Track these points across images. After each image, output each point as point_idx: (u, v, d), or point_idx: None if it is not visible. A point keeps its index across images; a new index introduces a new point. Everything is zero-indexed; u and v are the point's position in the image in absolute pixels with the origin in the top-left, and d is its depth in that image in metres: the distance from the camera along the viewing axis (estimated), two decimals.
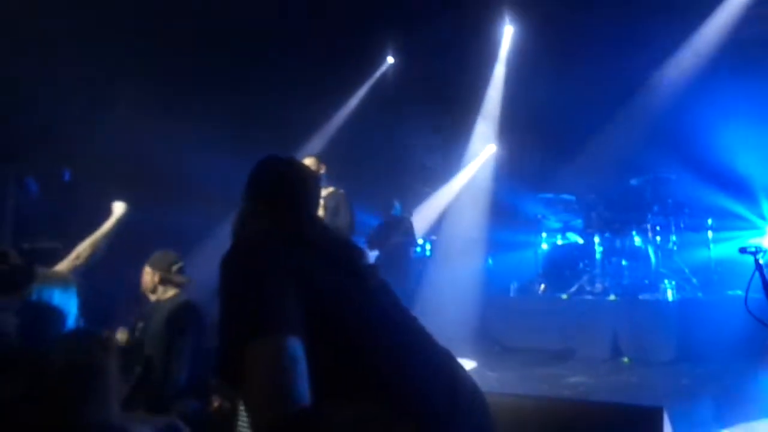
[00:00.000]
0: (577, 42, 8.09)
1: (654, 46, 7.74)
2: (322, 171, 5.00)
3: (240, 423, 2.80)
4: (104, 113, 6.67)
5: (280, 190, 1.59)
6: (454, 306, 6.97)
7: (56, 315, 1.90)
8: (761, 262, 2.29)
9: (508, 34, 8.62)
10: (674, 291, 6.50)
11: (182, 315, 3.14)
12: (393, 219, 7.16)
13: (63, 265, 2.99)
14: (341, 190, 5.14)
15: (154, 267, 3.30)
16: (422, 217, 8.76)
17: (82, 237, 3.19)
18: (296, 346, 1.14)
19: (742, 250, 2.41)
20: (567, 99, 7.94)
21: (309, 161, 4.94)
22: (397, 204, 7.33)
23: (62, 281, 2.11)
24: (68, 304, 2.03)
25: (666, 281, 6.55)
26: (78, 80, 6.82)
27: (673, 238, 6.96)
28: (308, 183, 1.66)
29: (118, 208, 3.39)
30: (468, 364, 6.23)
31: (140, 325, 3.30)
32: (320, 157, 5.12)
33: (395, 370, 1.31)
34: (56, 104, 6.60)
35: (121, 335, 3.20)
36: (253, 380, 1.10)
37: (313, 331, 1.20)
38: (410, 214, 7.97)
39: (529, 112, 8.48)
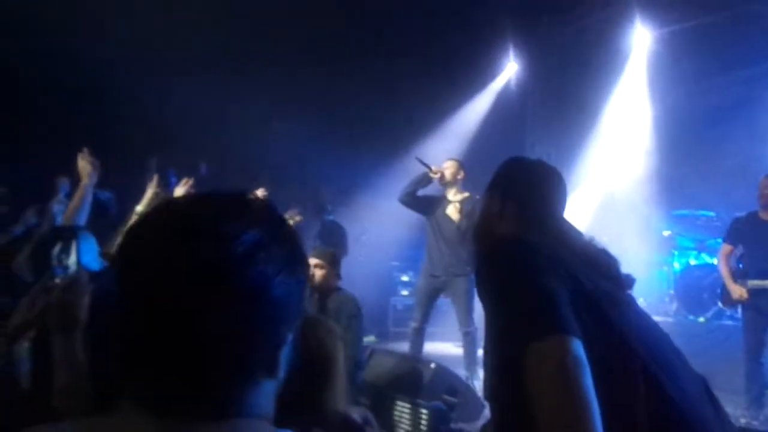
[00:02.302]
0: (717, 45, 7.50)
1: None
2: (460, 177, 5.00)
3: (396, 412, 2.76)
4: (236, 111, 6.92)
5: (532, 190, 1.53)
6: None
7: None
8: None
9: (639, 36, 8.05)
10: None
11: (351, 305, 3.21)
12: None
13: None
14: (477, 195, 5.13)
15: (330, 263, 3.33)
16: None
17: None
18: (581, 348, 1.07)
19: None
20: (706, 107, 7.40)
21: (451, 164, 4.91)
22: None
23: None
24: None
25: None
26: (211, 75, 7.12)
27: None
28: (557, 185, 1.60)
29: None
30: None
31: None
32: (461, 162, 5.09)
33: (669, 381, 1.24)
34: (192, 100, 6.90)
35: None
36: (543, 388, 1.03)
37: (583, 334, 1.13)
38: None
39: (663, 120, 7.96)
